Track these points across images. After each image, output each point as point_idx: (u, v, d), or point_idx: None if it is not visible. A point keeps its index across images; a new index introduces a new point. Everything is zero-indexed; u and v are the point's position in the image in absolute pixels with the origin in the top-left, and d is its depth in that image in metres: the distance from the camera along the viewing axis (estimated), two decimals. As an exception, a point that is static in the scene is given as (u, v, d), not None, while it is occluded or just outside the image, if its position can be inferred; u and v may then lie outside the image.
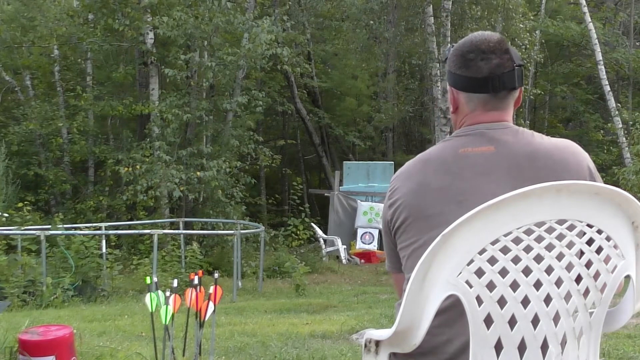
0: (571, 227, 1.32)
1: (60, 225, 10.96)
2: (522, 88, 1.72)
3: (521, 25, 16.29)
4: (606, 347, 4.53)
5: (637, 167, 12.76)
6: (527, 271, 1.30)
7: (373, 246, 14.62)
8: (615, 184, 12.30)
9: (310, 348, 4.96)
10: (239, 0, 15.74)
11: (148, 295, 3.65)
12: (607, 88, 16.31)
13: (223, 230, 13.41)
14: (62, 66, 17.09)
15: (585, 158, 1.62)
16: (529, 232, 1.30)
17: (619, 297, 1.47)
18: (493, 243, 1.28)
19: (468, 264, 1.27)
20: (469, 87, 1.67)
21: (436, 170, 1.62)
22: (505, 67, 1.64)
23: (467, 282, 1.28)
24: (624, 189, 1.42)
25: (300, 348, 4.96)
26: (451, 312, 1.41)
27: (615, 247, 1.34)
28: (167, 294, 3.58)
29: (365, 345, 1.35)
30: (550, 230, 1.31)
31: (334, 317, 6.91)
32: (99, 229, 12.07)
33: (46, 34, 15.58)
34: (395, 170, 1.78)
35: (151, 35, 14.20)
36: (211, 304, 3.79)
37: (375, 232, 14.74)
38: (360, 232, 14.82)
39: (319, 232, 14.79)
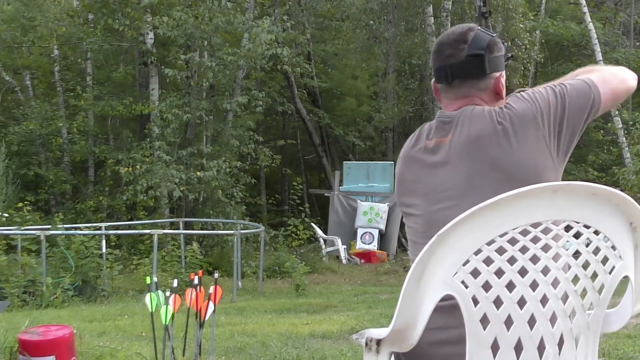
0: (568, 228, 1.32)
1: (60, 225, 10.94)
2: (500, 75, 1.72)
3: (521, 25, 16.27)
4: (606, 347, 4.51)
5: (637, 167, 12.72)
6: (523, 272, 1.30)
7: (373, 246, 14.60)
8: (615, 184, 12.29)
9: (310, 348, 4.95)
10: (239, 0, 15.73)
11: (148, 295, 3.65)
12: (607, 88, 16.26)
13: (223, 230, 13.40)
14: (62, 66, 17.09)
15: (525, 109, 1.60)
16: (524, 232, 1.30)
17: (618, 298, 1.47)
18: (489, 244, 1.28)
19: (464, 264, 1.28)
20: (435, 77, 1.80)
21: (408, 164, 1.74)
22: (456, 57, 1.72)
23: (462, 282, 1.28)
24: (624, 189, 1.42)
25: (300, 348, 4.96)
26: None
27: (613, 247, 1.34)
28: (167, 294, 3.58)
29: (366, 344, 1.36)
30: (546, 230, 1.31)
31: (334, 317, 6.91)
32: (99, 229, 12.06)
33: (46, 34, 15.57)
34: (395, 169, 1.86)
35: (151, 35, 14.20)
36: (211, 304, 3.79)
37: (375, 232, 14.73)
38: (360, 232, 14.81)
39: (319, 232, 14.78)
